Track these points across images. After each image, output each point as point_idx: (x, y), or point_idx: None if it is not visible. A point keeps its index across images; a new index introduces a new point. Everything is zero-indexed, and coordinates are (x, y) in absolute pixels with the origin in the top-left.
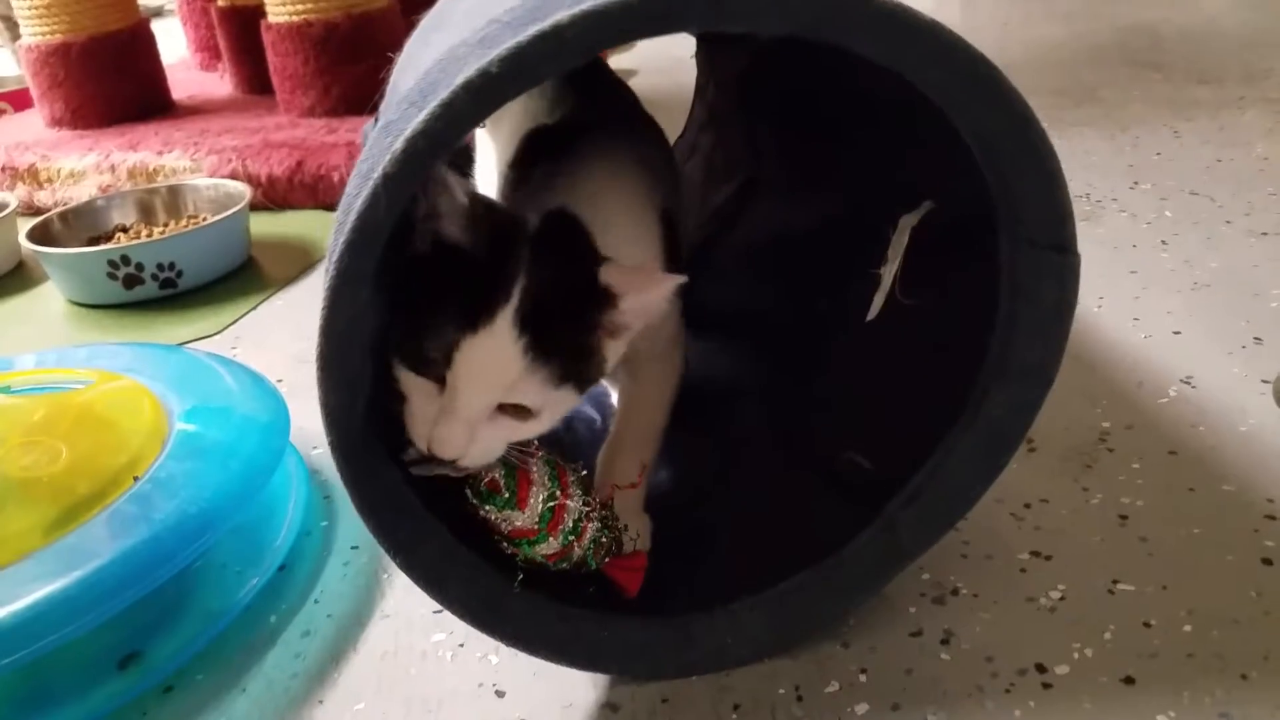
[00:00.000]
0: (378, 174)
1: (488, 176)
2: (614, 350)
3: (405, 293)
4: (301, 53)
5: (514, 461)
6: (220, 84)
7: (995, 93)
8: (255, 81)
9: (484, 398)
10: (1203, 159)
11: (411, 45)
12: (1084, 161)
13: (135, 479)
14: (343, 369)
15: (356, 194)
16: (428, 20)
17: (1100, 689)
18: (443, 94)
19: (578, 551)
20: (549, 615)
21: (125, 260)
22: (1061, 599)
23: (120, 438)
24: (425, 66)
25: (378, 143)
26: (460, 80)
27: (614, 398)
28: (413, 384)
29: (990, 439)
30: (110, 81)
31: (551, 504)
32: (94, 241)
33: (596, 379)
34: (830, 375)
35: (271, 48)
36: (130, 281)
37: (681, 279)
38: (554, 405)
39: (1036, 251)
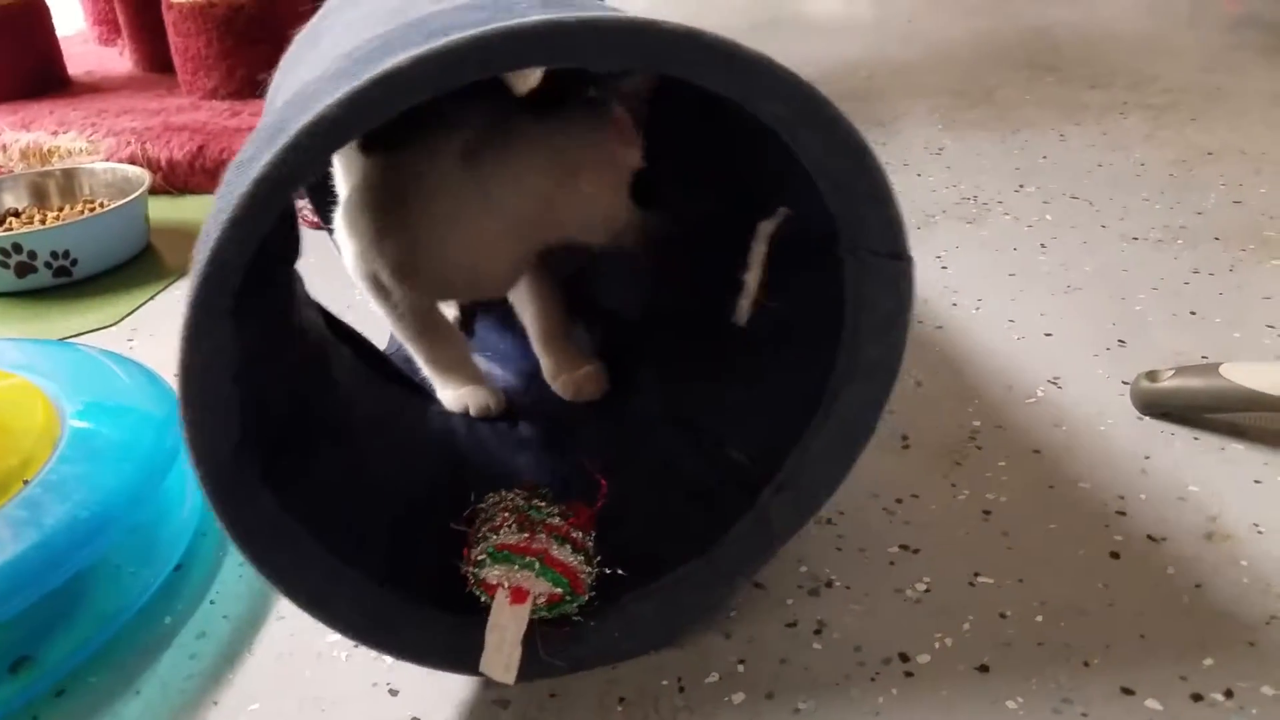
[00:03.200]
0: (225, 217)
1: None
2: None
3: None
4: (205, 34)
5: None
6: (119, 60)
7: (830, 128)
8: (156, 60)
9: None
10: (1086, 163)
11: (291, 56)
12: (975, 164)
13: (25, 482)
14: (206, 401)
15: (205, 238)
16: (307, 32)
17: (957, 677)
18: (288, 136)
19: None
20: (440, 627)
21: (17, 248)
22: (927, 591)
23: (10, 439)
24: (291, 92)
25: (234, 179)
26: (305, 122)
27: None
28: None
29: (844, 432)
30: (2, 56)
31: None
32: None
33: None
34: (710, 374)
35: (173, 28)
36: (23, 270)
37: None
38: None
39: (875, 259)
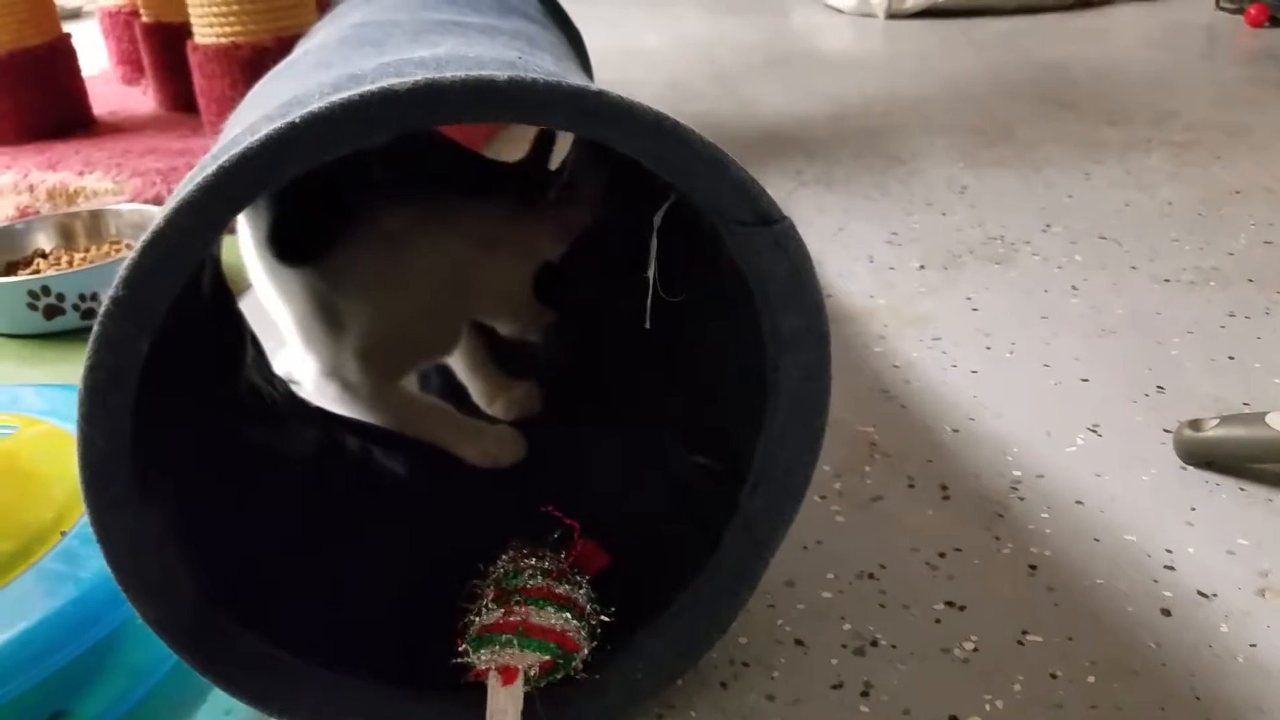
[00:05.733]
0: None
1: None
2: None
3: None
4: (229, 75)
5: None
6: (143, 99)
7: (633, 120)
8: (179, 99)
9: None
10: (1112, 202)
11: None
12: (999, 203)
13: (62, 534)
14: (140, 570)
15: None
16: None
17: None
18: (159, 223)
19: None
20: (457, 713)
21: (46, 291)
22: (974, 650)
23: (45, 489)
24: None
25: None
26: (172, 208)
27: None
28: None
29: (796, 408)
30: (29, 97)
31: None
32: (12, 267)
33: None
34: (656, 379)
35: (198, 69)
36: (51, 312)
37: None
38: None
39: (748, 229)
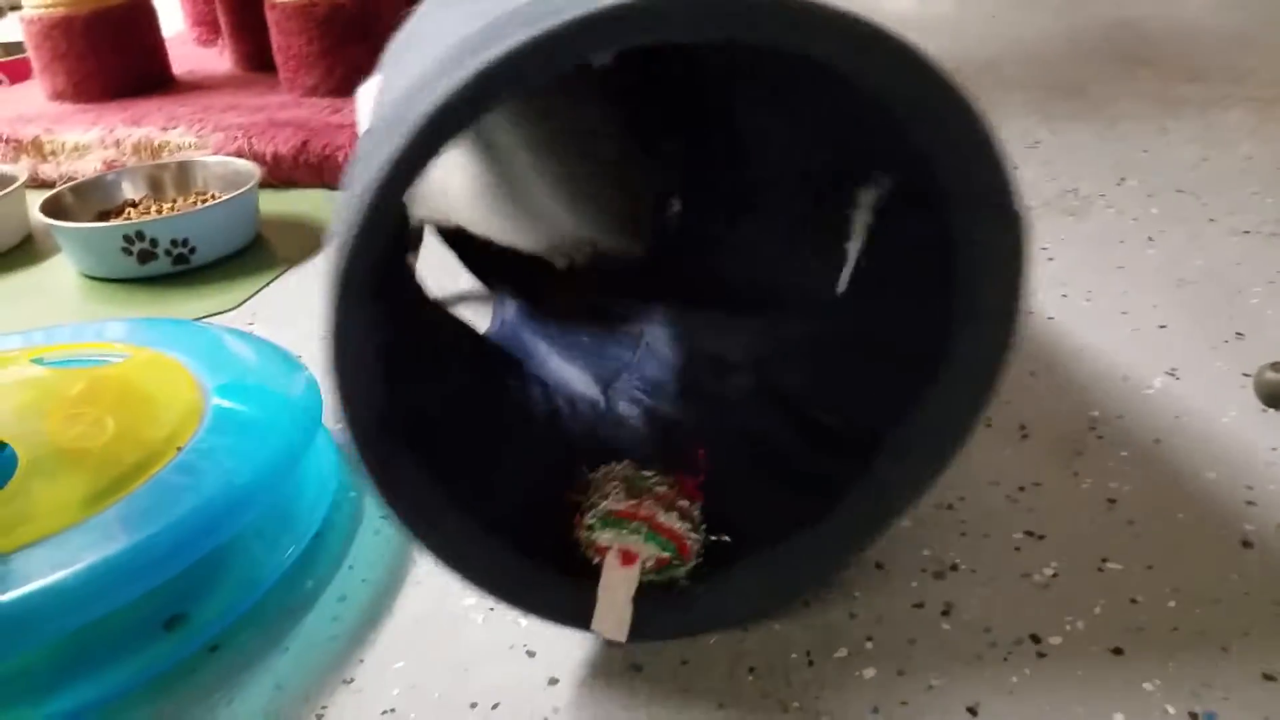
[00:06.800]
0: (381, 173)
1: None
2: None
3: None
4: (306, 32)
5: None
6: (219, 60)
7: (935, 88)
8: (255, 58)
9: None
10: (1189, 157)
11: (411, 30)
12: (1073, 157)
13: (178, 450)
14: (356, 363)
15: (355, 195)
16: (403, 36)
17: (1091, 658)
18: (426, 107)
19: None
20: (568, 590)
21: (140, 236)
22: (1054, 576)
23: (159, 411)
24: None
25: (371, 155)
26: (422, 114)
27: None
28: None
29: (966, 388)
30: (112, 55)
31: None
32: (104, 216)
33: None
34: (807, 343)
35: (275, 26)
36: (145, 257)
37: None
38: None
39: (983, 209)
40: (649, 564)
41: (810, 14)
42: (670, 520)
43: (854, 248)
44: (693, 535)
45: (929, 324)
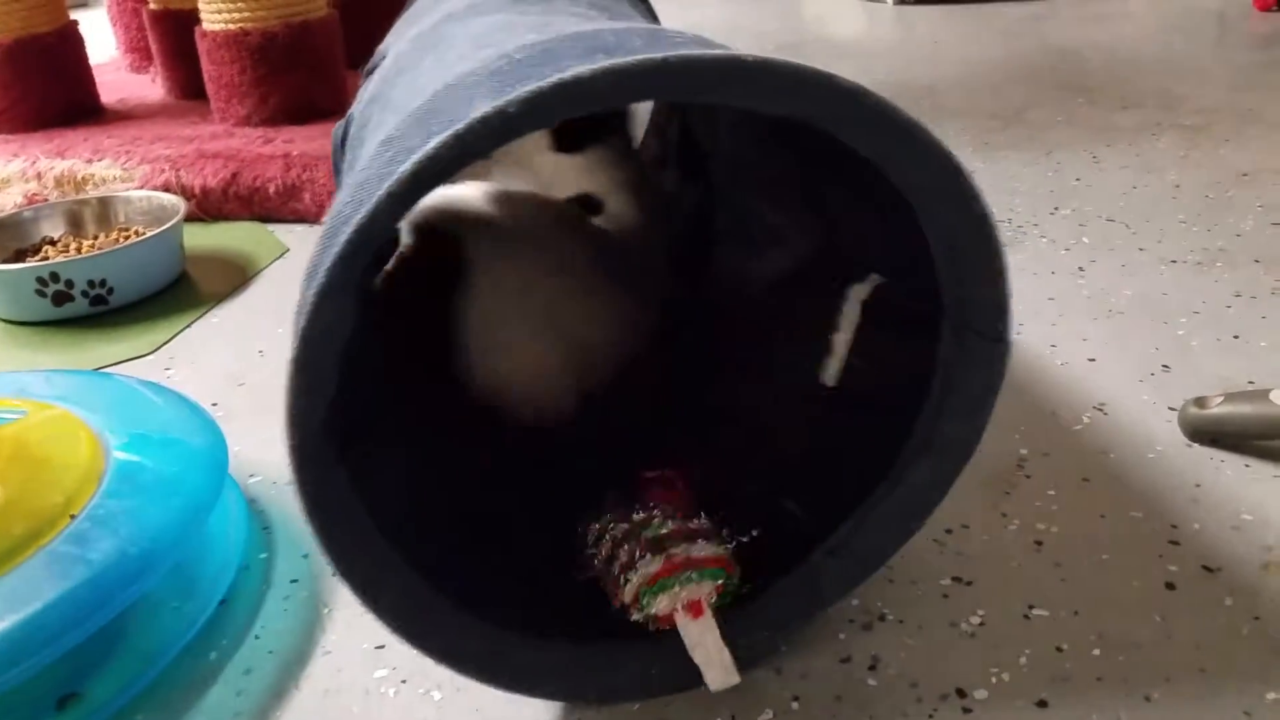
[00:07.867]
0: (382, 191)
1: None
2: None
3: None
4: (238, 61)
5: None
6: (152, 87)
7: (965, 199)
8: (188, 86)
9: None
10: (1120, 185)
11: (401, 58)
12: (1009, 186)
13: (72, 517)
14: (314, 374)
15: (354, 206)
16: (419, 37)
17: (1016, 713)
18: (458, 125)
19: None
20: (477, 632)
21: (55, 277)
22: (981, 624)
23: (55, 473)
24: (429, 86)
25: (379, 156)
26: (476, 114)
27: None
28: None
29: (908, 504)
30: (37, 84)
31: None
32: (20, 254)
33: None
34: (772, 429)
35: (206, 56)
36: (60, 299)
37: None
38: None
39: (975, 339)
40: (711, 599)
41: None
42: (702, 550)
43: (841, 341)
44: (726, 547)
45: (887, 439)
